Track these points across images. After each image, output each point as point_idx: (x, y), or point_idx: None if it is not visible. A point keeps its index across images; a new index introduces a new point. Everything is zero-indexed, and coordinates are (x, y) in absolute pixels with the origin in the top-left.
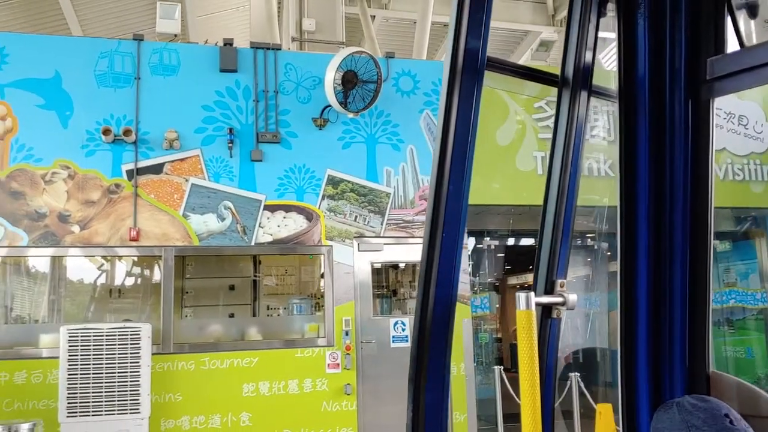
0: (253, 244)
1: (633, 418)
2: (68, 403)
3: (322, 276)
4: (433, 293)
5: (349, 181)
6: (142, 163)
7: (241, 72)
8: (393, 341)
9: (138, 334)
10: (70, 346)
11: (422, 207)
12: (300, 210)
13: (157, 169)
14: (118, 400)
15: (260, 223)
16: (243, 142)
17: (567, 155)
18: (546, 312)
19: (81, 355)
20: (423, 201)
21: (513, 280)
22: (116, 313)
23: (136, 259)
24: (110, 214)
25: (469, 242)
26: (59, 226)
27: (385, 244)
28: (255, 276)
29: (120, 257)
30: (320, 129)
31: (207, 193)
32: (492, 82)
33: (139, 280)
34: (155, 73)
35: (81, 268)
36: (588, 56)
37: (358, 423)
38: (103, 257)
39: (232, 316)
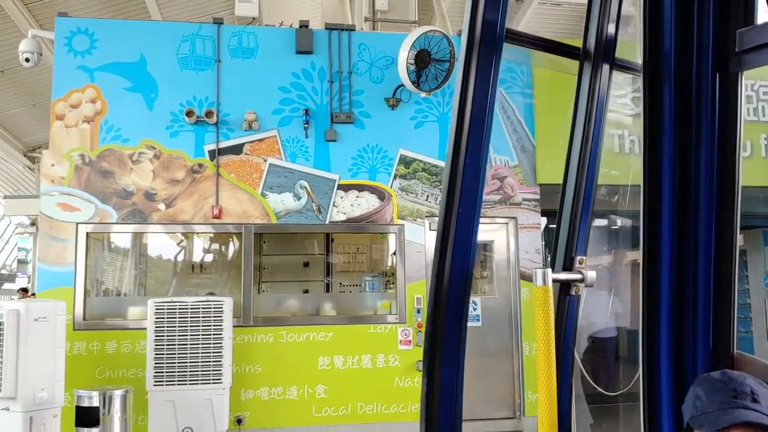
0: (327, 222)
1: (654, 401)
2: (155, 372)
3: (394, 254)
4: (448, 268)
5: (421, 161)
6: (223, 144)
7: (316, 53)
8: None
9: (221, 308)
10: (157, 318)
11: (494, 186)
12: (372, 189)
13: (237, 149)
14: (201, 371)
15: (334, 202)
16: (318, 122)
17: (588, 130)
18: (564, 289)
19: (167, 327)
20: (495, 180)
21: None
22: (197, 288)
23: (214, 235)
24: (194, 192)
25: (542, 221)
26: (146, 204)
27: None
28: (327, 253)
29: (202, 234)
30: (393, 109)
31: (284, 173)
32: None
33: (218, 256)
34: (234, 55)
35: (165, 244)
36: (611, 28)
37: None
38: (187, 234)
39: (306, 291)
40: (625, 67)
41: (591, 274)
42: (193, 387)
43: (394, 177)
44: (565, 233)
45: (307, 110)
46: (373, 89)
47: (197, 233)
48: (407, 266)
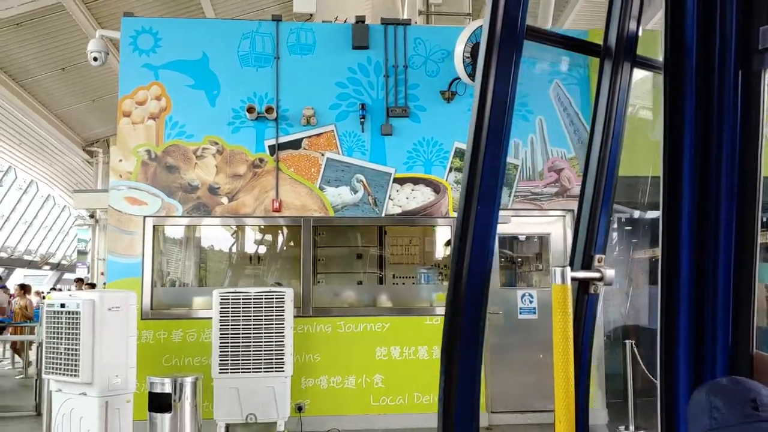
0: (383, 215)
1: (671, 401)
2: (220, 360)
3: (447, 244)
4: (467, 266)
5: None
6: (283, 139)
7: (372, 48)
8: (521, 313)
9: (282, 298)
10: (221, 308)
11: (551, 179)
12: (428, 182)
13: (295, 144)
14: (264, 359)
15: (390, 196)
16: (374, 116)
17: (608, 128)
18: (583, 287)
19: (231, 316)
20: (552, 173)
21: (640, 254)
22: (256, 279)
23: (272, 228)
24: (255, 186)
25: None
26: (210, 198)
27: (512, 216)
28: (381, 246)
29: (261, 227)
30: (448, 102)
31: (341, 167)
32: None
33: (275, 248)
34: (293, 52)
35: (226, 236)
36: (632, 25)
37: (486, 391)
38: (247, 227)
39: (359, 283)
40: (646, 64)
41: (610, 273)
42: (257, 375)
43: (450, 170)
44: (584, 231)
45: (363, 105)
46: (428, 83)
47: (258, 226)
48: None
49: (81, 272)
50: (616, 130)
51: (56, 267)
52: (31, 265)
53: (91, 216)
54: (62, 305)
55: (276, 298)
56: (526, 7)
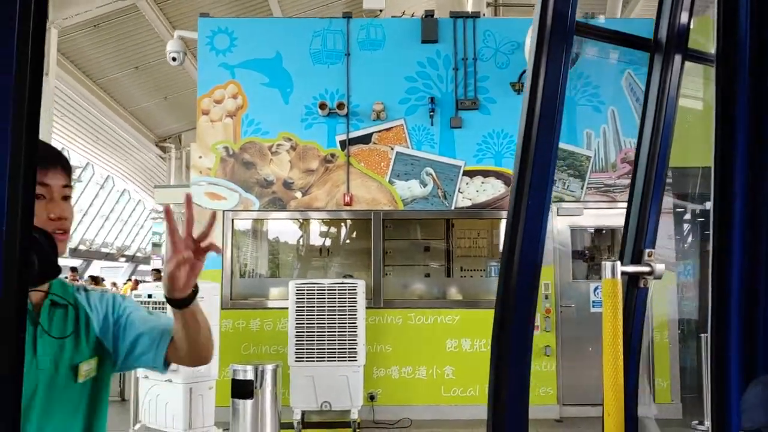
0: (453, 208)
1: (723, 394)
2: (296, 349)
3: None
4: (517, 262)
5: None
6: (353, 134)
7: (441, 42)
8: (593, 306)
9: (354, 290)
10: (297, 299)
11: (624, 170)
12: (498, 175)
13: (366, 139)
14: (338, 349)
15: (459, 188)
16: (443, 110)
17: (658, 122)
18: (633, 281)
19: (306, 306)
20: (625, 164)
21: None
22: (326, 271)
23: (341, 221)
24: (327, 181)
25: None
26: (284, 192)
27: (585, 208)
28: (448, 238)
29: (332, 220)
30: (518, 93)
31: (410, 161)
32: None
33: (346, 241)
34: (363, 48)
35: (299, 230)
36: (684, 17)
37: (557, 383)
38: (316, 220)
39: (427, 275)
40: (698, 57)
41: (660, 267)
42: (330, 364)
43: None
44: (634, 225)
45: (432, 98)
46: (498, 75)
47: (329, 220)
48: None
49: (156, 263)
50: (667, 124)
51: (131, 259)
52: (107, 257)
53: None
54: (149, 296)
55: (348, 290)
56: (575, 3)
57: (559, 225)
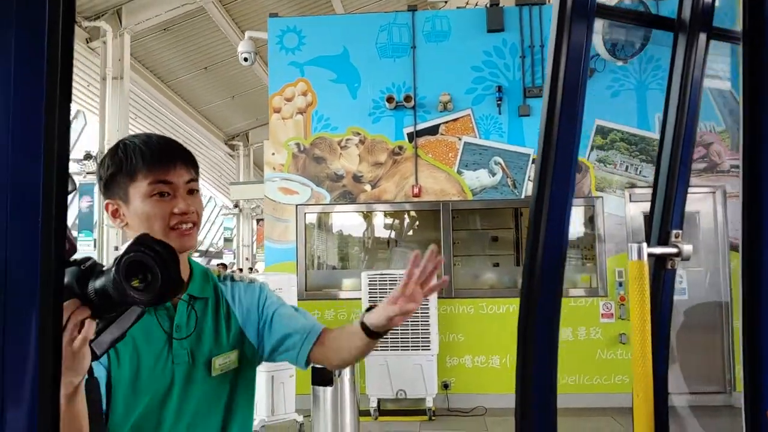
0: (522, 197)
1: (757, 397)
2: None
3: (591, 220)
4: (542, 248)
5: (618, 131)
6: (421, 126)
7: (507, 31)
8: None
9: None
10: (370, 289)
11: (699, 154)
12: None
13: (433, 130)
14: (411, 338)
15: (529, 177)
16: (511, 98)
17: (683, 103)
18: (660, 263)
19: (379, 297)
20: (700, 147)
21: None
22: (395, 262)
23: (408, 212)
24: (395, 173)
25: None
26: (354, 186)
27: None
28: (517, 228)
29: (401, 212)
30: (588, 77)
31: (478, 150)
32: None
33: (413, 232)
34: (429, 40)
35: (368, 222)
36: None
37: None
38: (385, 212)
39: (496, 265)
40: (723, 35)
41: (687, 248)
42: (405, 353)
43: (591, 148)
44: (661, 207)
45: (499, 87)
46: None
47: (398, 211)
48: (607, 239)
49: (227, 258)
50: (692, 105)
51: (204, 254)
52: None
53: (236, 206)
54: None
55: None
56: None
57: (631, 211)
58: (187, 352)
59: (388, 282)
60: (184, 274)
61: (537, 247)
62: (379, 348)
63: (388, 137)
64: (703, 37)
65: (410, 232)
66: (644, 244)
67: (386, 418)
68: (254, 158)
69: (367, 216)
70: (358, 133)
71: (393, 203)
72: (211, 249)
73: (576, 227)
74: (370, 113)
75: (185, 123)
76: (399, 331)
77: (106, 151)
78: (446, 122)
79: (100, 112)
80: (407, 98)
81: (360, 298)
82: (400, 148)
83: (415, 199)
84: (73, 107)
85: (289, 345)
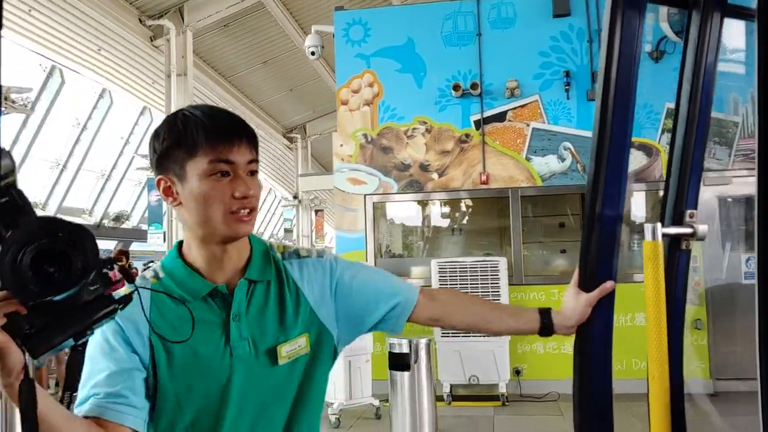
0: None
1: None
2: None
3: (657, 206)
4: (597, 233)
5: None
6: (488, 113)
7: (574, 15)
8: (746, 277)
9: (497, 267)
10: (440, 276)
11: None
12: (639, 146)
13: (500, 117)
14: None
15: None
16: (579, 83)
17: (697, 82)
18: (675, 244)
19: (450, 284)
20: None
21: None
22: (462, 249)
23: (480, 200)
24: (462, 161)
25: None
26: (421, 175)
27: (733, 177)
28: (584, 213)
29: (467, 199)
30: (656, 61)
31: (547, 136)
32: None
33: (480, 220)
34: (494, 27)
35: (434, 210)
36: None
37: (709, 358)
38: (451, 200)
39: (563, 251)
40: (738, 12)
41: (702, 228)
42: (476, 339)
43: (662, 132)
44: (675, 186)
45: (567, 72)
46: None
47: (464, 199)
48: None
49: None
50: (706, 84)
51: None
52: None
53: (295, 197)
54: None
55: (491, 267)
56: None
57: (705, 195)
58: (247, 342)
59: (458, 270)
60: (243, 255)
61: (592, 232)
62: (450, 334)
63: (455, 125)
64: (717, 14)
65: (477, 220)
66: (658, 224)
67: (460, 403)
68: (312, 150)
69: (434, 204)
70: (425, 122)
71: (460, 191)
72: (271, 239)
73: (646, 211)
74: (437, 102)
75: (245, 117)
76: None
77: None
78: (514, 108)
79: (165, 109)
80: (474, 86)
81: (430, 286)
82: (467, 135)
83: (483, 187)
84: (139, 104)
85: (386, 321)
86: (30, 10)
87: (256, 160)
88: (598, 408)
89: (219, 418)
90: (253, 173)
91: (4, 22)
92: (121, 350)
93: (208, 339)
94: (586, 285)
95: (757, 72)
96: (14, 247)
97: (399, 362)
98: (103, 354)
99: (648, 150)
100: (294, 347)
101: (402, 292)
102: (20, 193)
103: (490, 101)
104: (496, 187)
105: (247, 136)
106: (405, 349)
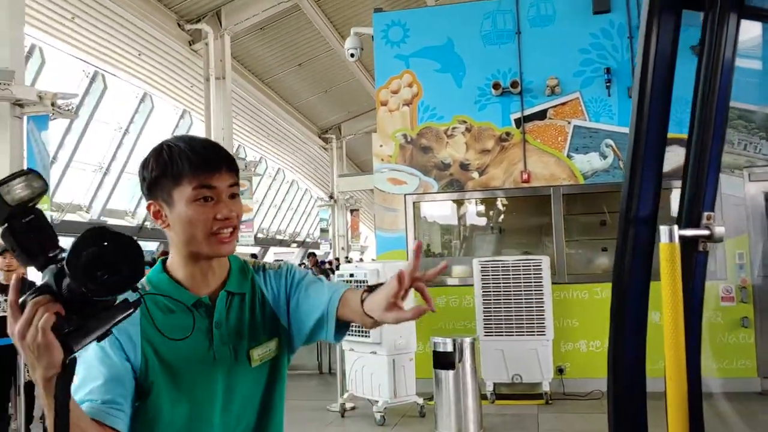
0: None
1: None
2: (485, 324)
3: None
4: (633, 234)
5: (736, 108)
6: (528, 111)
7: (614, 11)
8: None
9: (539, 265)
10: (482, 275)
11: None
12: (682, 142)
13: (541, 115)
14: (526, 324)
15: None
16: (620, 79)
17: (714, 83)
18: (692, 245)
19: (492, 283)
20: None
21: None
22: (502, 247)
23: (520, 198)
24: (503, 160)
25: None
26: (461, 174)
27: None
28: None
29: (508, 198)
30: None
31: (588, 133)
32: None
33: (520, 218)
34: (533, 25)
35: (474, 209)
36: None
37: (757, 355)
38: (491, 198)
39: (604, 250)
40: (755, 13)
41: (719, 230)
42: (519, 338)
43: None
44: (692, 188)
45: (608, 69)
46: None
47: (504, 197)
48: (725, 221)
49: (324, 248)
50: (723, 85)
51: (302, 244)
52: (281, 243)
53: (330, 197)
54: (351, 275)
55: (533, 266)
56: None
57: (751, 191)
58: (228, 348)
59: (500, 269)
60: (222, 271)
61: (628, 229)
62: (494, 333)
63: (495, 124)
64: (734, 15)
65: (516, 218)
66: (675, 227)
67: (503, 401)
68: (347, 150)
69: (473, 203)
70: (465, 121)
71: (502, 189)
72: (307, 239)
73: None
74: (476, 101)
75: (282, 119)
76: (514, 317)
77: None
78: (554, 106)
79: (205, 112)
80: (514, 84)
81: (472, 285)
82: (508, 134)
83: (525, 185)
84: (179, 107)
85: (319, 325)
86: (73, 18)
87: (236, 183)
88: (631, 410)
89: (209, 417)
90: (234, 196)
91: (50, 30)
92: (114, 357)
93: (194, 345)
94: (620, 284)
95: None
96: (74, 253)
97: (444, 361)
98: (98, 360)
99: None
100: (265, 350)
101: (325, 304)
102: (42, 213)
103: (531, 99)
104: (538, 185)
105: (227, 163)
106: (449, 348)
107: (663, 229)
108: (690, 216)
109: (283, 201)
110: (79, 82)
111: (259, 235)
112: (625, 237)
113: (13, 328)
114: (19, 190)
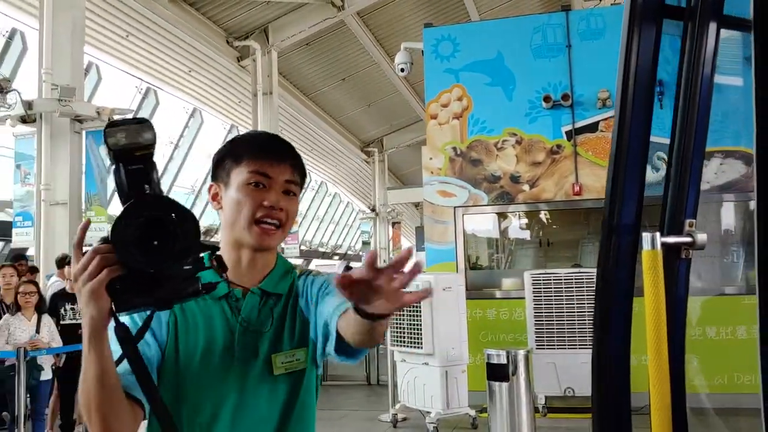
0: None
1: None
2: (536, 336)
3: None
4: (615, 244)
5: None
6: (579, 124)
7: (665, 24)
8: None
9: (591, 279)
10: (534, 288)
11: None
12: (739, 155)
13: (592, 127)
14: (578, 337)
15: None
16: (672, 92)
17: (694, 92)
18: (674, 253)
19: (544, 296)
20: None
21: None
22: (551, 260)
23: (571, 212)
24: (554, 172)
25: None
26: (512, 186)
27: None
28: None
29: (556, 211)
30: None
31: None
32: None
33: (569, 230)
34: (584, 38)
35: (524, 221)
36: None
37: None
38: (541, 211)
39: None
40: (734, 23)
41: (701, 237)
42: (572, 351)
43: None
44: (674, 195)
45: (660, 81)
46: (726, 50)
47: (554, 210)
48: None
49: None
50: (703, 94)
51: (343, 257)
52: (323, 256)
53: (372, 210)
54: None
55: (586, 279)
56: None
57: None
58: (249, 349)
59: (552, 281)
60: (265, 269)
61: (611, 236)
62: (546, 346)
63: (546, 136)
64: (713, 25)
65: (564, 231)
66: (657, 234)
67: (555, 415)
68: (388, 163)
69: (522, 216)
70: (515, 134)
71: (553, 202)
72: (349, 252)
73: (747, 223)
74: (527, 114)
75: (325, 133)
76: (566, 330)
77: None
78: (606, 119)
79: (252, 127)
80: (565, 97)
81: (523, 297)
82: (558, 146)
83: (576, 197)
84: (227, 122)
85: (324, 335)
86: (127, 35)
87: (296, 183)
88: (615, 410)
89: (216, 414)
90: (290, 193)
91: (105, 47)
92: (149, 339)
93: (215, 337)
94: (603, 293)
95: (753, 87)
96: (127, 213)
97: (497, 373)
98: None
99: (748, 159)
100: (291, 359)
101: (330, 311)
102: (151, 168)
103: (582, 112)
104: (590, 198)
105: (291, 158)
106: (503, 360)
107: (645, 236)
108: (672, 223)
109: (325, 214)
110: (133, 98)
111: (302, 248)
112: (608, 244)
113: (74, 269)
114: (120, 135)
